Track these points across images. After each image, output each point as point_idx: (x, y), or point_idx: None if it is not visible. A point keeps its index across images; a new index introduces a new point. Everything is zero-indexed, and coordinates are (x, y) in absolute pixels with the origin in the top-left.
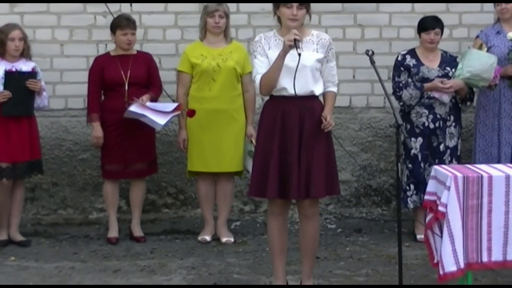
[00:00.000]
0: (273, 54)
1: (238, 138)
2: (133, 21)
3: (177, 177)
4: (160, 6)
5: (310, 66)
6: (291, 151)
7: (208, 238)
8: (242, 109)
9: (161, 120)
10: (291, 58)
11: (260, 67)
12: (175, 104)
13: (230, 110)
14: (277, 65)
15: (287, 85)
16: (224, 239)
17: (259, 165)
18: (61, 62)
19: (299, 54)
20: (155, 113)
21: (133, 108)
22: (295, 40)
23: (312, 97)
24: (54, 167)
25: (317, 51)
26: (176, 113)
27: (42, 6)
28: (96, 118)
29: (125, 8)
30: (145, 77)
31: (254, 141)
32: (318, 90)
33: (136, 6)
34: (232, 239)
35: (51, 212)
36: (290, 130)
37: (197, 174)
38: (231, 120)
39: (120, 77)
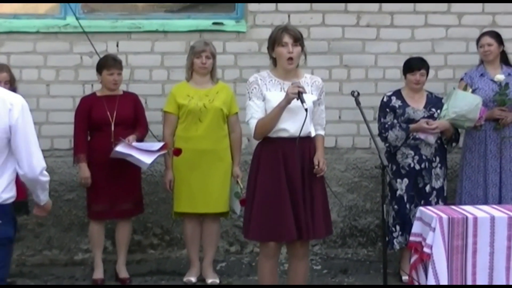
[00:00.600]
0: (272, 95)
1: (225, 178)
2: (119, 61)
3: (163, 218)
4: (146, 46)
5: (308, 108)
6: (296, 192)
7: (193, 279)
8: (229, 150)
9: (147, 159)
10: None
11: (256, 111)
12: (161, 143)
13: (217, 150)
14: (276, 115)
15: (287, 126)
16: (209, 281)
17: (264, 208)
18: (47, 102)
19: (306, 110)
20: (141, 152)
21: (119, 148)
22: (299, 92)
23: (308, 138)
24: None
25: (311, 93)
26: (162, 152)
27: (29, 46)
28: (83, 158)
29: (111, 48)
30: (132, 117)
31: (240, 182)
32: (313, 131)
33: (123, 46)
34: (217, 281)
35: (36, 253)
36: (293, 172)
37: (183, 215)
38: (218, 160)
39: (107, 118)
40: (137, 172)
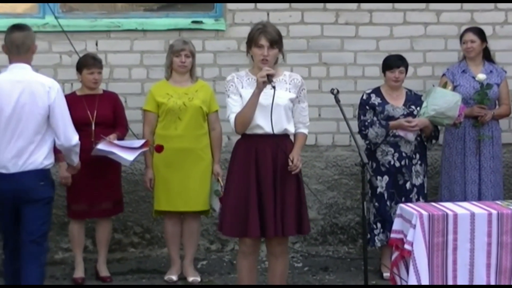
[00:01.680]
0: (247, 92)
1: (205, 177)
2: (99, 60)
3: (143, 216)
4: (125, 45)
5: (283, 105)
6: (266, 189)
7: (174, 277)
8: (209, 148)
9: (129, 156)
10: (264, 96)
11: (234, 105)
12: (143, 140)
13: (197, 149)
14: (252, 103)
15: (261, 123)
16: (190, 279)
17: (234, 204)
18: None
19: (274, 87)
20: (123, 149)
21: (101, 146)
22: (267, 75)
23: (285, 136)
24: None
25: (289, 91)
26: (144, 149)
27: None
28: (63, 157)
29: (90, 47)
30: (111, 116)
31: (221, 180)
32: (291, 129)
33: (102, 45)
34: (198, 279)
35: None
36: (264, 169)
37: (163, 213)
38: (197, 159)
39: (87, 117)
40: (117, 171)
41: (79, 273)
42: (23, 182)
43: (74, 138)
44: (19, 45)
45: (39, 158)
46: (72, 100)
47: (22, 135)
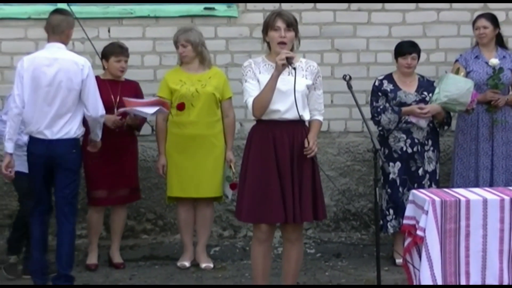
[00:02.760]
0: (264, 78)
1: (217, 163)
2: (126, 49)
3: (156, 203)
4: (138, 32)
5: (301, 91)
6: (285, 175)
7: (187, 263)
8: (222, 135)
9: (149, 110)
10: (282, 82)
11: (252, 90)
12: (158, 107)
13: (209, 135)
14: (271, 86)
15: (278, 108)
16: (203, 265)
17: (253, 190)
18: None
19: (294, 69)
20: (143, 107)
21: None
22: (287, 58)
23: (300, 122)
24: None
25: (306, 77)
26: (164, 111)
27: (20, 32)
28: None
29: (103, 34)
30: None
31: (233, 167)
32: (306, 115)
33: (114, 32)
34: (211, 265)
35: None
36: (282, 154)
37: (176, 200)
38: (210, 145)
39: (110, 101)
40: (134, 159)
41: (92, 259)
42: (58, 148)
43: (101, 109)
44: (54, 27)
45: (73, 128)
46: (97, 82)
47: (59, 106)
